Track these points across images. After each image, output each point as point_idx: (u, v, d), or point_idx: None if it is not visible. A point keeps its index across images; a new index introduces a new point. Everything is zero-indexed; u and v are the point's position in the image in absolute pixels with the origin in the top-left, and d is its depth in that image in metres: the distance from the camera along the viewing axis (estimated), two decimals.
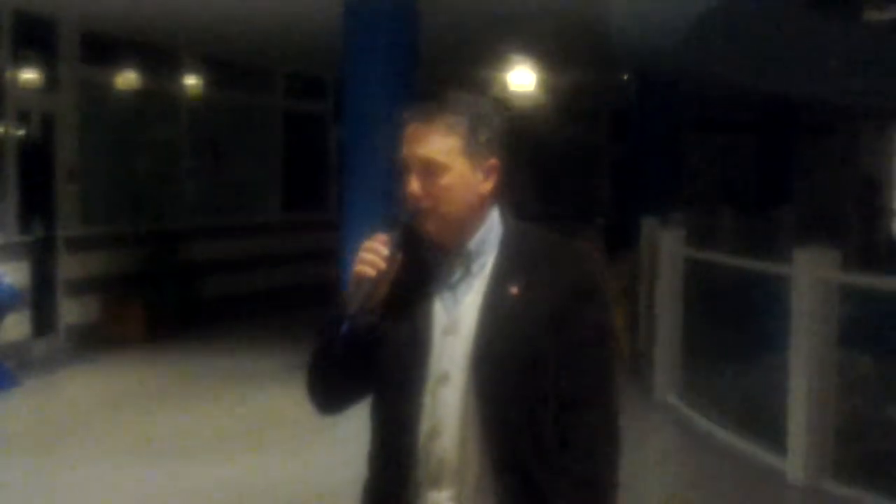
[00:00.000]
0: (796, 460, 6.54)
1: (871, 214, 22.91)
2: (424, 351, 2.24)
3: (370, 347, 2.26)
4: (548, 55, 14.21)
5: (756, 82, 18.27)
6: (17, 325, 9.80)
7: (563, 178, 21.28)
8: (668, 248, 8.94)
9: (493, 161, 2.26)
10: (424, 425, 2.23)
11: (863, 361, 7.80)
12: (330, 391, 2.40)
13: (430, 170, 2.21)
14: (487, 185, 2.26)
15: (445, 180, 2.21)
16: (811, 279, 6.47)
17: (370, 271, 2.20)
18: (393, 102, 9.88)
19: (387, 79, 9.88)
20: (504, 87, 15.81)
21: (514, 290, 2.22)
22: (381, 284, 2.22)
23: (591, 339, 2.24)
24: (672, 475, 7.29)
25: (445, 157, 2.21)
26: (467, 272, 2.26)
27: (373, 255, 2.21)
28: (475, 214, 2.26)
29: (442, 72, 13.65)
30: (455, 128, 2.22)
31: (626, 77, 16.61)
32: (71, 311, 11.12)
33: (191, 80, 13.84)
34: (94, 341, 10.97)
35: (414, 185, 2.23)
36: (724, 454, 7.27)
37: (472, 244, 2.27)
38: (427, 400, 2.23)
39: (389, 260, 2.22)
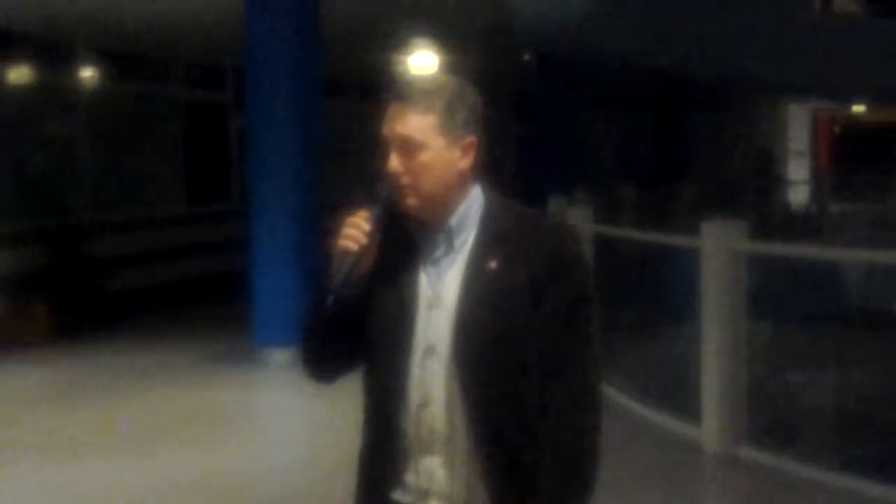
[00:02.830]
0: (710, 429, 6.65)
1: (766, 186, 23.44)
2: (410, 324, 2.32)
3: (355, 319, 2.35)
4: (449, 37, 14.21)
5: (652, 59, 18.52)
6: None
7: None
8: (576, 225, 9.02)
9: (471, 139, 2.32)
10: (415, 395, 2.32)
11: (763, 330, 7.98)
12: (321, 362, 2.49)
13: (409, 148, 2.28)
14: (465, 162, 2.32)
15: (423, 158, 2.28)
16: (719, 250, 6.58)
17: (352, 246, 2.27)
18: (297, 89, 9.85)
19: (290, 65, 9.81)
20: (406, 70, 15.77)
21: (492, 264, 2.29)
22: (363, 259, 2.30)
23: (569, 309, 2.31)
24: None
25: (423, 135, 2.27)
26: (450, 248, 2.34)
27: (355, 230, 2.28)
28: (454, 191, 2.33)
29: (345, 57, 13.61)
30: (432, 107, 2.28)
31: (526, 57, 16.71)
32: None
33: (87, 73, 13.57)
34: None
35: (394, 162, 2.29)
36: (639, 427, 7.35)
37: (454, 220, 2.33)
38: (416, 371, 2.32)
39: (371, 235, 2.29)
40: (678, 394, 7.21)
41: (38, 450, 7.25)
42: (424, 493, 2.35)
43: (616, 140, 22.99)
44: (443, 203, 2.32)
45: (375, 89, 18.49)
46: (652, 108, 22.86)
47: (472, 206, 2.35)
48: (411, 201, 2.30)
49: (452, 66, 15.96)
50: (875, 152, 29.10)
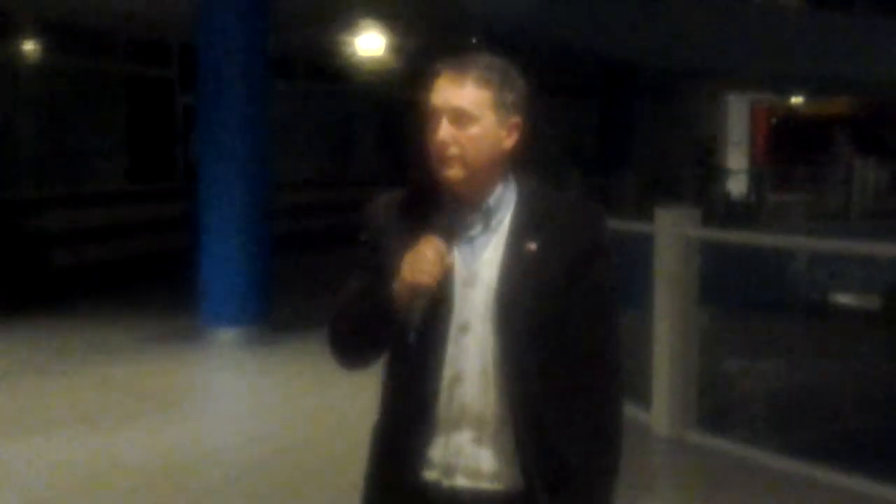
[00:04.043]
0: (661, 414, 6.74)
1: (706, 175, 23.73)
2: (446, 302, 2.33)
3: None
4: (397, 19, 14.19)
5: (597, 48, 18.65)
6: None
7: (413, 143, 21.36)
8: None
9: (517, 120, 2.36)
10: (447, 372, 2.33)
11: (705, 317, 8.08)
12: (360, 354, 2.46)
13: (462, 119, 2.29)
14: (510, 142, 2.35)
15: (474, 131, 2.30)
16: (673, 236, 6.66)
17: (428, 279, 2.24)
18: (247, 67, 9.78)
19: (241, 43, 9.74)
20: (353, 51, 15.73)
21: (531, 246, 2.32)
22: (437, 289, 2.27)
23: (602, 293, 2.37)
24: None
25: (476, 109, 2.29)
26: (486, 227, 2.35)
27: (428, 264, 2.24)
28: (496, 169, 2.35)
29: (295, 35, 13.53)
30: (487, 82, 2.31)
31: (474, 41, 16.71)
32: None
33: (28, 46, 13.35)
34: None
35: (444, 131, 2.29)
36: None
37: (492, 199, 2.35)
38: (450, 348, 2.33)
39: (445, 265, 2.27)
40: (628, 378, 7.27)
41: None
42: (451, 469, 2.37)
43: (560, 128, 23.10)
44: (484, 180, 2.34)
45: (322, 70, 18.44)
46: (596, 97, 22.99)
47: (509, 186, 2.38)
48: (456, 173, 2.30)
49: (399, 48, 15.95)
50: (809, 143, 29.56)
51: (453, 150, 2.29)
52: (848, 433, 7.71)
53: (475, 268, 2.34)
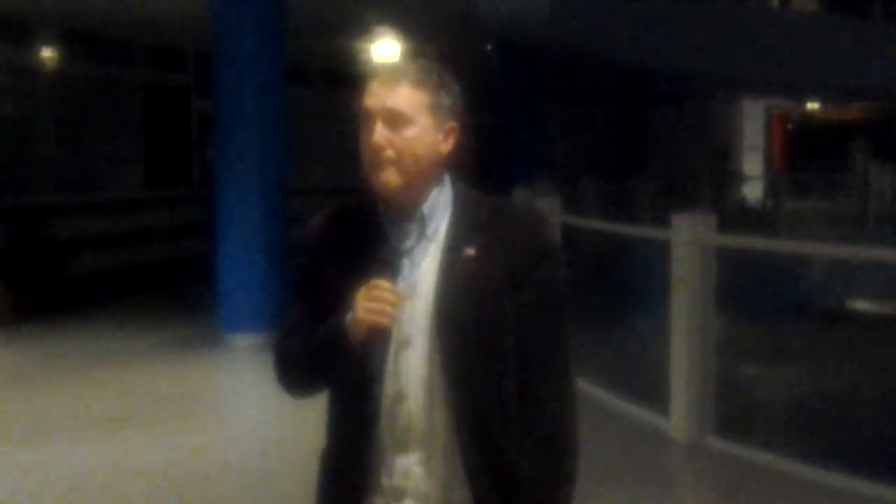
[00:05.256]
0: (679, 420, 6.71)
1: (721, 181, 23.67)
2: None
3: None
4: (413, 25, 14.22)
5: (613, 54, 18.64)
6: None
7: None
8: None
9: (453, 124, 2.29)
10: (389, 390, 2.23)
11: (718, 322, 8.08)
12: (311, 387, 2.41)
13: (397, 121, 2.21)
14: (446, 147, 2.28)
15: (410, 133, 2.22)
16: (689, 242, 6.65)
17: (384, 320, 2.14)
18: (263, 73, 9.82)
19: (257, 50, 9.79)
20: (369, 57, 15.76)
21: (469, 252, 2.23)
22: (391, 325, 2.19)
23: (548, 299, 2.28)
24: None
25: (413, 111, 2.22)
26: (422, 235, 2.26)
27: (382, 304, 2.14)
28: (432, 174, 2.27)
29: (310, 43, 13.58)
30: (423, 84, 2.24)
31: (489, 48, 16.74)
32: None
33: (48, 53, 13.42)
34: None
35: (380, 133, 2.21)
36: (608, 417, 7.37)
37: (427, 207, 2.27)
38: (390, 365, 2.23)
39: (401, 303, 2.17)
40: (647, 385, 7.27)
41: (1, 433, 7.15)
42: (400, 494, 2.27)
43: (576, 133, 23.09)
44: (420, 185, 2.25)
45: (339, 76, 18.49)
46: (611, 104, 22.97)
47: (443, 192, 2.30)
48: (392, 178, 2.22)
49: (415, 54, 15.97)
50: (826, 149, 29.49)
51: (388, 154, 2.21)
52: (867, 439, 7.70)
53: (413, 279, 2.23)
